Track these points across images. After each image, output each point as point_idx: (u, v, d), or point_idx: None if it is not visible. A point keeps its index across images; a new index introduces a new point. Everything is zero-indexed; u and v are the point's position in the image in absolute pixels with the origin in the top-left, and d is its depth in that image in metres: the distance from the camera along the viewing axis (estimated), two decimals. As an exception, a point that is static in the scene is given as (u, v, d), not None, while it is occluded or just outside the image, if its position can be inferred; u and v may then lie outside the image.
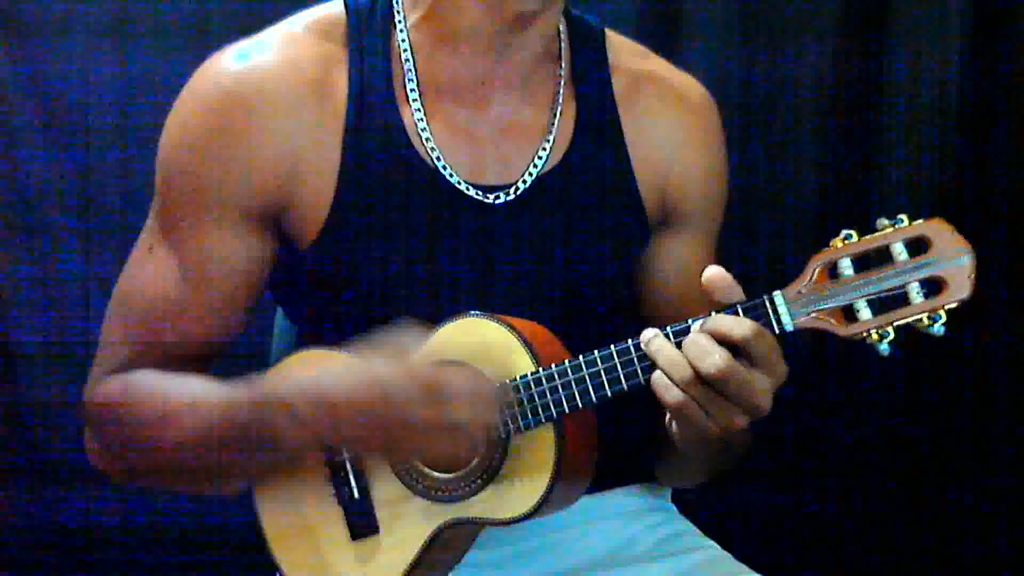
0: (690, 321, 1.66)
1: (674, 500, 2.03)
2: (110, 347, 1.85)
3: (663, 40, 2.70)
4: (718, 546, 1.96)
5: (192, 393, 1.76)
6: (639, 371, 1.68)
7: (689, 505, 2.04)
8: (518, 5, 1.78)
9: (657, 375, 1.65)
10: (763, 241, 2.76)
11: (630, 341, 1.69)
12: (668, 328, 1.67)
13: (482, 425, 1.68)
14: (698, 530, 1.99)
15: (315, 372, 1.73)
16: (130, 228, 1.91)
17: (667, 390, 1.64)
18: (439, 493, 1.76)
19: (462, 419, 1.66)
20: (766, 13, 2.76)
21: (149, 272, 1.82)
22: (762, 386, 1.63)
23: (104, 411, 1.83)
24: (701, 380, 1.63)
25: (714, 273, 1.66)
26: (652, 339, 1.66)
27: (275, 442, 1.71)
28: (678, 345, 1.65)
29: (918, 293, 1.61)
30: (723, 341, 1.62)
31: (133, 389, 1.79)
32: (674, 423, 1.68)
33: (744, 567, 1.91)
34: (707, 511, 2.06)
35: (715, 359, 1.62)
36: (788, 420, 2.70)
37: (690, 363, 1.63)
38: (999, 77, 2.71)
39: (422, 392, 1.66)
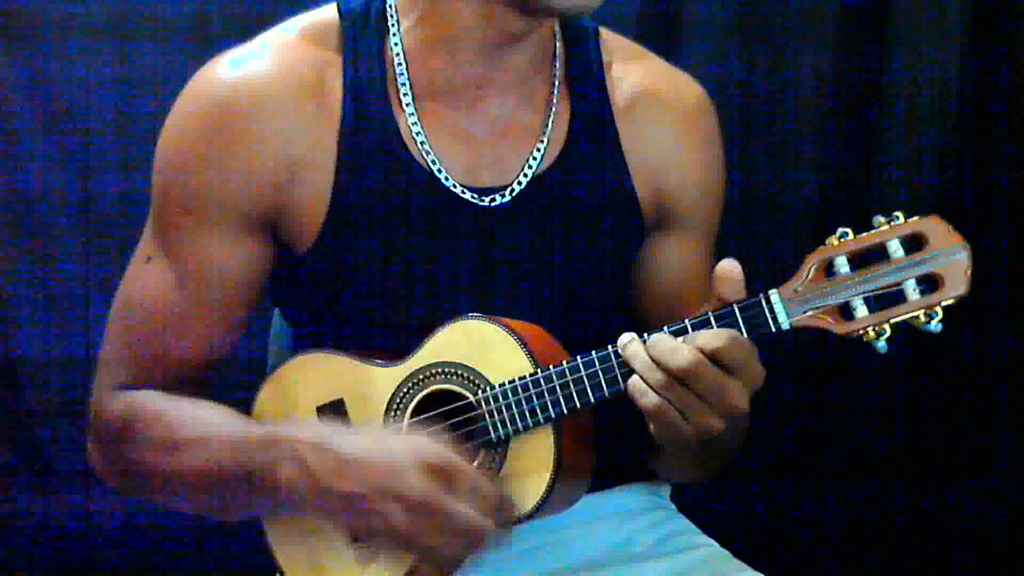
0: (687, 320, 1.66)
1: (673, 499, 2.03)
2: (113, 358, 1.85)
3: (663, 40, 2.70)
4: (717, 544, 1.96)
5: (198, 427, 1.76)
6: (637, 371, 1.68)
7: (688, 504, 2.04)
8: (509, 25, 1.78)
9: (633, 380, 1.65)
10: (763, 241, 2.76)
11: (627, 340, 1.69)
12: (666, 328, 1.67)
13: (478, 529, 1.66)
14: (697, 528, 1.99)
15: (326, 429, 1.73)
16: (130, 229, 1.92)
17: (643, 395, 1.64)
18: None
19: (461, 513, 1.64)
20: (766, 13, 2.76)
21: (148, 281, 1.82)
22: (737, 388, 1.63)
23: (107, 431, 1.83)
24: (675, 381, 1.63)
25: (728, 266, 1.66)
26: (628, 344, 1.66)
27: (278, 491, 1.71)
28: None
29: (915, 290, 1.61)
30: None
31: (137, 413, 1.80)
32: (651, 426, 1.68)
33: (743, 565, 1.91)
34: (706, 510, 2.06)
35: (683, 354, 1.62)
36: (788, 420, 2.71)
37: (658, 363, 1.63)
38: (999, 77, 2.71)
39: (429, 473, 1.65)
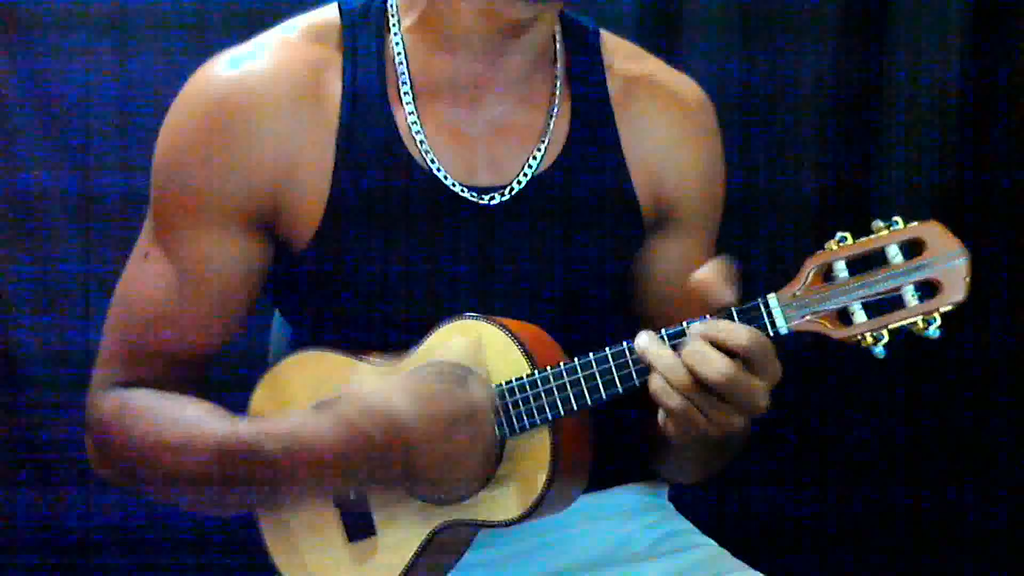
0: (685, 324, 1.66)
1: (672, 498, 2.03)
2: (110, 354, 1.86)
3: (663, 40, 2.70)
4: (716, 544, 1.96)
5: (188, 426, 1.77)
6: (634, 373, 1.68)
7: (687, 503, 2.04)
8: (512, 14, 1.78)
9: (657, 380, 1.65)
10: (763, 241, 2.76)
11: (624, 343, 1.69)
12: (663, 331, 1.67)
13: (481, 442, 1.69)
14: (696, 528, 2.00)
15: (310, 413, 1.75)
16: (130, 228, 1.92)
17: (668, 396, 1.64)
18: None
19: (461, 440, 1.67)
20: (766, 13, 2.76)
21: (146, 278, 1.83)
22: (760, 388, 1.64)
23: (102, 429, 1.84)
24: (701, 386, 1.63)
25: (703, 275, 1.66)
26: (648, 344, 1.66)
27: (271, 483, 1.72)
28: (674, 348, 1.65)
29: (913, 296, 1.61)
30: (722, 347, 1.62)
31: (129, 411, 1.81)
32: (670, 425, 1.68)
33: (743, 565, 1.91)
34: (705, 509, 2.07)
35: (718, 366, 1.62)
36: (788, 420, 2.71)
37: (690, 370, 1.63)
38: (999, 77, 2.71)
39: (421, 423, 1.67)
